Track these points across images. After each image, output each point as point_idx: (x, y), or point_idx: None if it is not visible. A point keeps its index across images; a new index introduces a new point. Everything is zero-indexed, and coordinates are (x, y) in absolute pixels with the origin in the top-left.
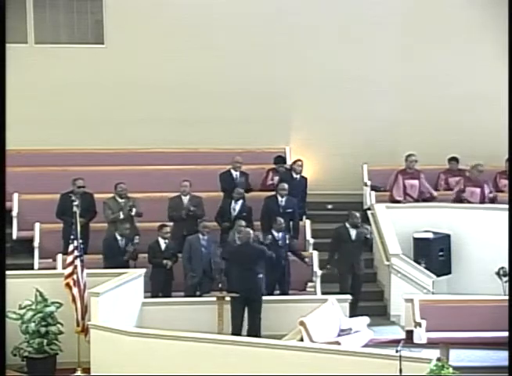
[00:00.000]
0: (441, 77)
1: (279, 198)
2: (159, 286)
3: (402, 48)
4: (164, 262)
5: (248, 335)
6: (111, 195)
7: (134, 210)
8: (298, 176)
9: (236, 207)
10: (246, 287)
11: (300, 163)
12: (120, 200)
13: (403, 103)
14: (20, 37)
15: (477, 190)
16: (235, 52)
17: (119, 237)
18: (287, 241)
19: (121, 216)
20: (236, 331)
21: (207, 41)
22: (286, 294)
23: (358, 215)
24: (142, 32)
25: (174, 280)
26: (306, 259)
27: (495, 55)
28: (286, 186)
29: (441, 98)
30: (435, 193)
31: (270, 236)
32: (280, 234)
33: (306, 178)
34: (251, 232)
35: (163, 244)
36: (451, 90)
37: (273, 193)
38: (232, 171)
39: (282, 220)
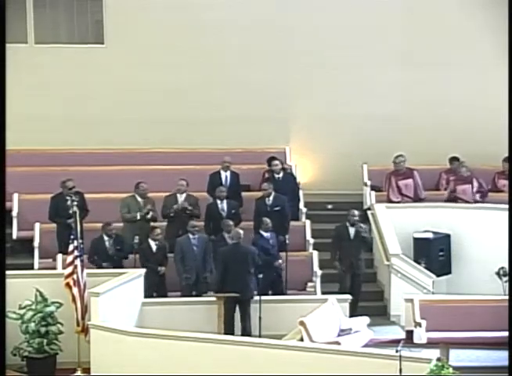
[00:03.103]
0: (441, 77)
1: (266, 198)
2: (153, 287)
3: (402, 49)
4: (159, 268)
5: (242, 335)
6: (111, 195)
7: (151, 213)
8: (280, 176)
9: (224, 207)
10: (238, 286)
11: (275, 162)
12: (139, 200)
13: (403, 103)
14: (20, 37)
15: (468, 187)
16: (235, 52)
17: (106, 238)
18: (273, 240)
19: (138, 217)
20: (229, 331)
21: (208, 41)
22: (281, 294)
23: (356, 212)
24: (142, 32)
25: (169, 280)
26: (280, 261)
27: (495, 55)
28: (266, 185)
29: (441, 97)
30: (423, 195)
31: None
32: (269, 234)
33: (294, 176)
34: (241, 232)
35: (154, 246)
36: (451, 90)
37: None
38: (222, 172)
39: (268, 220)
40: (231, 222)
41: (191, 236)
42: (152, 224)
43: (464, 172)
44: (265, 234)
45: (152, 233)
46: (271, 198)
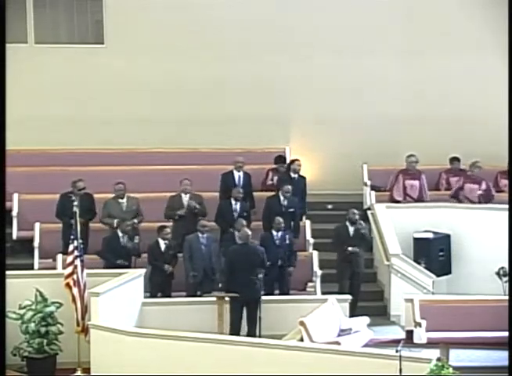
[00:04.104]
0: (442, 77)
1: (282, 198)
2: (158, 286)
3: (402, 49)
4: (166, 266)
5: (248, 336)
6: (111, 195)
7: (136, 221)
8: (296, 176)
9: (237, 207)
10: (245, 287)
11: (298, 162)
12: (120, 201)
13: (403, 103)
14: (20, 37)
15: (476, 187)
16: (235, 52)
17: (121, 234)
18: (287, 241)
19: (114, 225)
20: (234, 332)
21: (208, 41)
22: (286, 294)
23: (356, 211)
24: (142, 32)
25: (175, 279)
26: (291, 269)
27: (495, 54)
28: (290, 188)
29: (441, 98)
30: (428, 199)
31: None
32: (280, 233)
33: (305, 178)
34: (249, 232)
35: (163, 244)
36: (451, 90)
37: (274, 193)
38: (235, 172)
39: (281, 219)
40: (244, 222)
41: (200, 235)
42: (161, 223)
43: (477, 172)
44: (275, 233)
45: (161, 232)
46: (286, 199)
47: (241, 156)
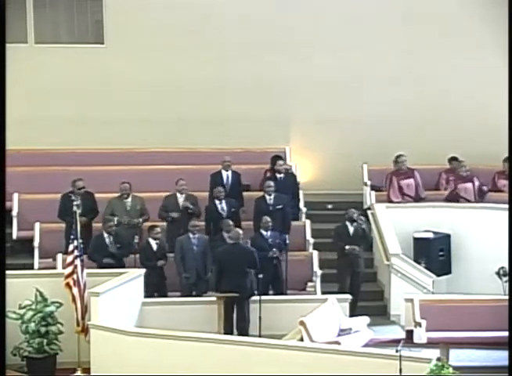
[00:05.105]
0: (441, 77)
1: (267, 197)
2: (154, 286)
3: (402, 49)
4: (159, 263)
5: (239, 334)
6: (111, 195)
7: (141, 220)
8: (282, 176)
9: (224, 206)
10: (233, 287)
11: (280, 162)
12: (125, 201)
13: (403, 103)
14: (20, 37)
15: (470, 185)
16: (234, 51)
17: (105, 235)
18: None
19: (115, 222)
20: (226, 330)
21: (207, 41)
22: (282, 293)
23: (355, 210)
24: (142, 32)
25: (169, 279)
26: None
27: (495, 55)
28: (271, 183)
29: (441, 97)
30: (424, 195)
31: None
32: (269, 233)
33: (295, 176)
34: (241, 232)
35: (154, 244)
36: (451, 90)
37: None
38: (223, 172)
39: (268, 218)
40: (231, 222)
41: (191, 235)
42: (152, 223)
43: (464, 172)
44: (265, 233)
45: (152, 232)
46: (272, 197)
47: (241, 156)
